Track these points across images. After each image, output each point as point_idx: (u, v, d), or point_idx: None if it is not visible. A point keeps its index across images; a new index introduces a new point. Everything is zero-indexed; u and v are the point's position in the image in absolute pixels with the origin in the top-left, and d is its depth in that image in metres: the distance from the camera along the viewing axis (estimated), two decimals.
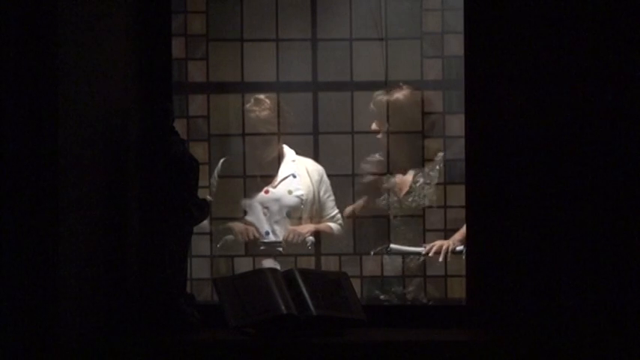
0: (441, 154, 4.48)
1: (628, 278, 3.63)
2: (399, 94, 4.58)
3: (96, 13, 3.71)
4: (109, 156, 3.78)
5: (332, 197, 4.75)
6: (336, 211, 4.73)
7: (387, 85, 4.53)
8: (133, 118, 3.92)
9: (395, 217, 4.54)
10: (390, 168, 4.52)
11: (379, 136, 4.58)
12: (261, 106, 4.64)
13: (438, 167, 4.52)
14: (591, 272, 3.64)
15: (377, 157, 4.64)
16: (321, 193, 4.74)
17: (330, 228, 4.71)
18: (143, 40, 4.00)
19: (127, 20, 3.93)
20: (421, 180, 4.58)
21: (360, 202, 4.65)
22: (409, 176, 4.61)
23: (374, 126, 4.61)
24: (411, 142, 4.48)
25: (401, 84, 4.56)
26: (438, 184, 4.48)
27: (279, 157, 4.77)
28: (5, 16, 3.39)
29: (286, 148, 4.77)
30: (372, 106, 4.62)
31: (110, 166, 3.79)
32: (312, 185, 4.73)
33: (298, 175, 4.75)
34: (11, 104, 3.39)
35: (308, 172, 4.73)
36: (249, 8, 4.41)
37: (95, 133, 3.69)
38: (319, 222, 4.72)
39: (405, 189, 4.61)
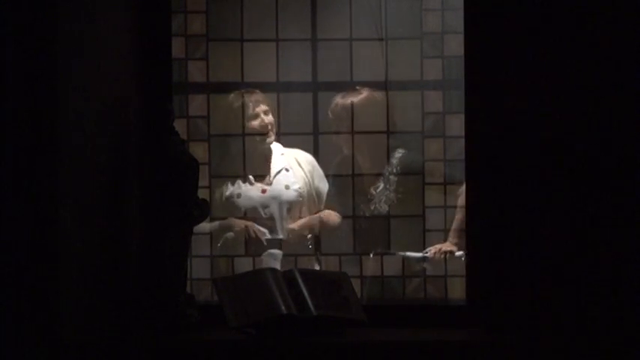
0: (399, 152, 4.46)
1: (628, 278, 3.63)
2: (359, 97, 4.52)
3: (96, 12, 3.71)
4: (108, 156, 3.78)
5: (327, 184, 4.69)
6: None
7: (345, 90, 4.50)
8: (133, 118, 3.92)
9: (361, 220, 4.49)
10: (356, 170, 4.48)
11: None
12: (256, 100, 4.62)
13: (395, 170, 4.46)
14: (591, 272, 3.64)
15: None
16: (316, 182, 4.69)
17: (329, 215, 4.65)
18: (143, 40, 4.00)
19: (127, 20, 3.94)
20: (382, 185, 4.53)
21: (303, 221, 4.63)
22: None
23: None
24: (376, 143, 4.45)
25: (357, 87, 4.52)
26: (438, 183, 4.43)
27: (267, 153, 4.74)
28: (5, 16, 3.39)
29: (273, 143, 4.74)
30: (330, 115, 4.52)
31: (110, 166, 3.79)
32: (306, 176, 4.69)
33: (290, 167, 4.71)
34: (11, 104, 3.39)
35: (299, 164, 4.69)
36: (249, 8, 4.41)
37: (95, 133, 3.69)
38: (316, 213, 4.67)
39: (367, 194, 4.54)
